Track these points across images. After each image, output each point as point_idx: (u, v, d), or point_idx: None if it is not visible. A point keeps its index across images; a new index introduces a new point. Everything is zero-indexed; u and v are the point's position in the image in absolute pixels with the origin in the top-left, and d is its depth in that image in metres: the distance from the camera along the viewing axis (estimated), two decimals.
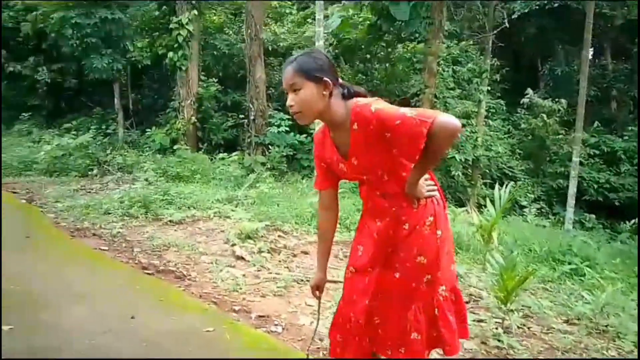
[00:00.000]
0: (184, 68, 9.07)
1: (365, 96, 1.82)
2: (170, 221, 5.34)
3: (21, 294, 3.21)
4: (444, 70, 9.63)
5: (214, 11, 11.16)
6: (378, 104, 1.71)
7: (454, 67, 10.16)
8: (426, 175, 1.83)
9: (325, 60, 1.81)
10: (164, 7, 9.59)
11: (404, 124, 1.61)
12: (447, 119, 1.58)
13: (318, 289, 2.16)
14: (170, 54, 8.88)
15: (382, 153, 1.75)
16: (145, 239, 4.70)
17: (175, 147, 8.62)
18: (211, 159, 8.43)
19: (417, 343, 1.82)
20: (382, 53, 10.63)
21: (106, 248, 4.36)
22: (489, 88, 9.67)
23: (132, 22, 9.29)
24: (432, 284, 1.83)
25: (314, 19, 10.94)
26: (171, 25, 8.89)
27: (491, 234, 4.33)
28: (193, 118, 9.23)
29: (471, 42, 10.76)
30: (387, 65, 10.70)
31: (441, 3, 8.26)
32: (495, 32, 9.14)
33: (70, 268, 3.76)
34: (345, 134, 1.78)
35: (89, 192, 6.74)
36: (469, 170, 8.74)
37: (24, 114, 10.98)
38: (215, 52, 10.49)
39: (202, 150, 9.07)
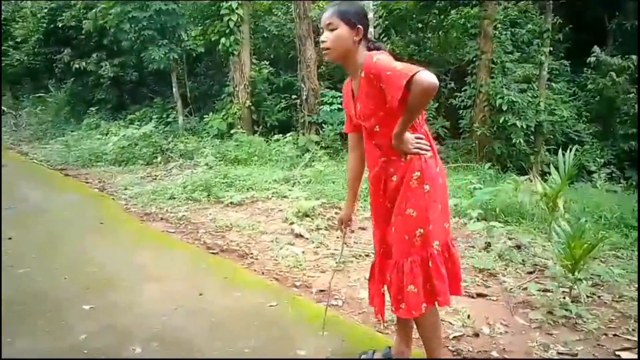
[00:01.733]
0: (236, 53, 9.21)
1: (380, 49, 1.97)
2: (231, 203, 5.53)
3: (98, 276, 3.47)
4: (501, 34, 9.16)
5: None
6: (380, 55, 1.86)
7: (512, 30, 9.64)
8: (419, 135, 1.91)
9: (362, 11, 2.03)
10: None
11: (393, 74, 1.75)
12: (426, 75, 1.68)
13: (343, 223, 2.39)
14: (223, 39, 9.03)
15: (377, 103, 1.89)
16: (208, 221, 4.91)
17: (232, 131, 8.85)
18: (267, 141, 8.58)
19: (414, 296, 1.91)
20: (434, 21, 10.27)
21: (173, 231, 4.59)
22: (551, 49, 9.08)
23: (184, 12, 9.51)
24: (425, 237, 1.91)
25: None
26: (222, 12, 9.02)
27: (556, 202, 4.14)
28: (247, 102, 9.40)
29: (530, 2, 10.16)
30: (440, 33, 10.34)
31: None
32: None
33: (141, 250, 4.00)
34: (358, 80, 1.97)
35: (155, 178, 7.07)
36: (531, 137, 8.35)
37: (91, 108, 11.65)
38: (265, 35, 10.57)
39: (258, 132, 9.25)
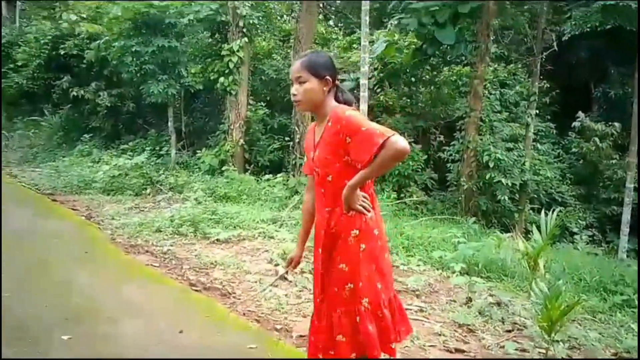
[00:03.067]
0: (234, 93, 9.43)
1: (351, 105, 2.10)
2: (217, 240, 5.54)
3: (80, 306, 3.44)
4: (490, 93, 9.54)
5: (263, 37, 11.60)
6: (353, 112, 1.97)
7: (501, 90, 10.04)
8: (365, 194, 2.00)
9: (330, 61, 2.14)
10: (217, 35, 10.07)
11: (369, 131, 1.85)
12: (401, 140, 1.81)
13: (292, 262, 2.50)
14: (222, 79, 9.27)
15: (336, 154, 1.98)
16: (193, 257, 4.91)
17: (223, 168, 8.93)
18: (257, 180, 8.66)
19: (343, 344, 1.99)
20: (427, 76, 10.66)
21: (157, 265, 4.58)
22: (538, 111, 9.46)
23: (186, 50, 9.78)
24: (354, 292, 1.98)
25: (360, 45, 11.20)
26: (223, 52, 9.31)
27: (537, 261, 4.24)
28: (241, 140, 9.54)
29: (519, 65, 10.62)
30: (432, 88, 10.71)
31: (488, 27, 8.25)
32: (544, 55, 9.00)
33: (125, 283, 3.99)
34: (323, 127, 2.07)
35: (143, 210, 7.08)
36: (516, 195, 8.55)
37: (85, 135, 11.70)
38: (263, 77, 10.86)
39: (249, 171, 9.34)
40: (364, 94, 7.00)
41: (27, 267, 4.34)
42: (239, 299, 3.82)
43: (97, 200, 7.78)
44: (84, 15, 11.68)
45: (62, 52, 11.73)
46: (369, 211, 1.99)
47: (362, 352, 1.97)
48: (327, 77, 2.05)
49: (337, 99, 2.11)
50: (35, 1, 15.75)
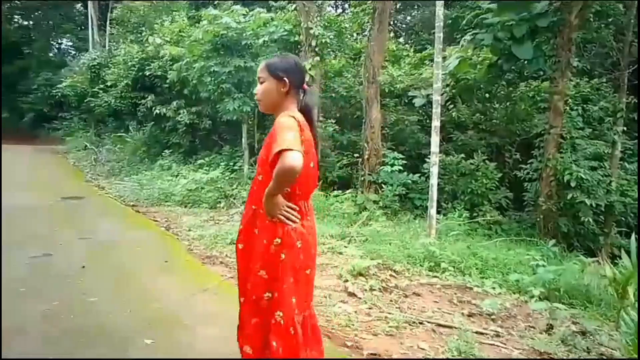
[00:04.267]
0: None
1: (310, 111, 2.15)
2: None
3: (161, 313, 3.63)
4: (571, 109, 9.03)
5: (334, 56, 11.79)
6: (285, 118, 1.97)
7: (584, 106, 9.47)
8: (292, 205, 2.02)
9: (293, 65, 2.18)
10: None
11: (278, 140, 1.86)
12: (291, 157, 1.79)
13: None
14: None
15: (266, 157, 2.02)
16: None
17: None
18: (326, 196, 8.75)
19: (248, 356, 2.07)
20: (502, 92, 10.31)
21: (231, 276, 4.73)
22: (625, 128, 8.83)
23: None
24: (269, 304, 2.01)
25: (431, 61, 11.07)
26: None
27: (626, 289, 3.92)
28: None
29: (603, 80, 10.01)
30: (507, 104, 10.33)
31: (569, 41, 7.86)
32: (631, 68, 8.41)
33: (201, 293, 4.16)
34: None
35: (217, 222, 7.36)
36: (601, 217, 7.97)
37: (165, 150, 12.42)
38: (333, 95, 11.01)
39: (318, 187, 9.46)
40: (436, 110, 6.89)
41: (114, 273, 4.65)
42: None
43: (176, 212, 8.19)
44: (168, 39, 12.49)
45: (147, 73, 12.59)
46: (293, 222, 2.00)
47: None
48: (285, 79, 2.11)
49: (304, 108, 2.17)
50: (124, 26, 17.04)
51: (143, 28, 15.04)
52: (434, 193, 6.64)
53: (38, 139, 22.34)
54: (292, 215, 2.02)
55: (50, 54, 28.52)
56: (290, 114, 2.02)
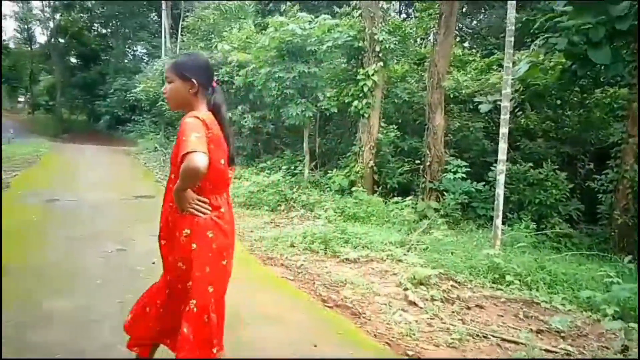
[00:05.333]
0: (366, 115, 9.65)
1: (219, 109, 2.20)
2: (346, 259, 5.66)
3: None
4: None
5: (397, 61, 11.72)
6: (189, 118, 2.01)
7: None
8: (202, 198, 2.08)
9: (201, 65, 2.24)
10: (352, 60, 10.43)
11: (184, 142, 1.91)
12: (195, 159, 1.87)
13: None
14: (356, 102, 9.56)
15: (175, 156, 2.05)
16: (324, 274, 5.06)
17: (353, 188, 9.12)
18: (385, 202, 8.69)
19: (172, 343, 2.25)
20: (575, 99, 9.81)
21: (292, 278, 4.82)
22: None
23: (324, 75, 10.26)
24: (186, 291, 2.10)
25: (499, 66, 10.73)
26: (358, 77, 9.62)
27: None
28: (371, 162, 9.68)
29: None
30: (581, 111, 9.82)
31: None
32: None
33: (262, 293, 4.26)
34: None
35: (278, 225, 7.50)
36: None
37: None
38: (396, 100, 10.93)
39: (377, 193, 9.41)
40: (504, 117, 6.67)
41: None
42: (369, 319, 3.84)
43: (238, 213, 8.42)
44: (236, 45, 12.93)
45: (215, 79, 13.07)
46: (203, 214, 2.07)
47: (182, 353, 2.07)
48: (193, 80, 2.14)
49: (213, 106, 2.21)
50: (195, 34, 17.81)
51: (212, 35, 15.65)
52: (499, 202, 6.42)
53: (113, 140, 23.79)
54: (203, 207, 2.09)
55: (126, 61, 30.32)
56: (195, 114, 2.06)
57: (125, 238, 5.99)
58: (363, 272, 5.28)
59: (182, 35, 21.67)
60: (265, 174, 10.54)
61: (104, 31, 31.91)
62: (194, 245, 2.09)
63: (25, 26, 33.62)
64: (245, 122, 12.20)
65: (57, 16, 30.58)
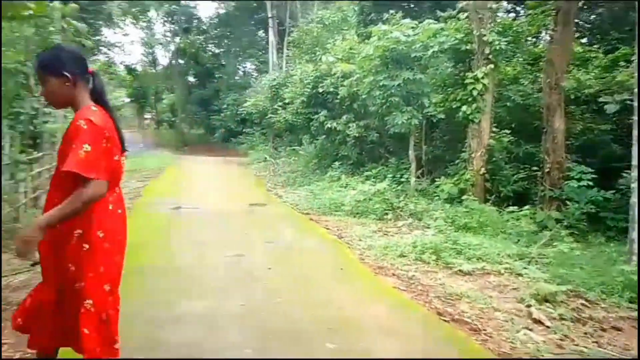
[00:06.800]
0: (476, 120, 9.25)
1: (102, 95, 2.15)
2: (460, 271, 5.44)
3: (339, 318, 3.78)
4: None
5: (508, 62, 11.10)
6: (84, 123, 1.95)
7: None
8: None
9: (70, 55, 2.12)
10: (460, 64, 10.08)
11: (76, 154, 1.90)
12: (97, 189, 1.90)
13: None
14: (464, 107, 9.21)
15: (65, 154, 1.96)
16: (438, 285, 4.91)
17: (463, 197, 8.77)
18: (499, 212, 8.23)
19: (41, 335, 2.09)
20: None
21: (404, 289, 4.73)
22: None
23: (429, 81, 10.04)
24: (79, 293, 2.00)
25: (627, 62, 9.69)
26: (466, 81, 9.26)
27: None
28: (482, 169, 9.23)
29: None
30: None
31: None
32: None
33: (377, 302, 4.24)
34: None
35: (386, 234, 7.44)
36: None
37: (335, 162, 13.07)
38: (508, 104, 10.35)
39: (490, 202, 8.94)
40: (636, 118, 5.99)
41: (294, 277, 5.02)
42: (490, 336, 3.64)
43: (345, 221, 8.52)
44: (340, 57, 13.16)
45: (320, 90, 13.43)
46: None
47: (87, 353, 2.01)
48: (65, 74, 2.04)
49: (94, 94, 2.14)
50: (300, 48, 18.45)
51: (317, 48, 16.09)
52: (635, 213, 5.75)
53: (227, 151, 25.42)
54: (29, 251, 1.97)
55: (237, 77, 32.29)
56: (87, 116, 1.99)
57: (242, 244, 6.34)
58: (479, 285, 5.04)
59: (287, 49, 22.59)
60: (370, 183, 10.54)
61: (217, 51, 34.29)
62: (86, 246, 2.02)
63: (150, 50, 37.32)
64: (350, 131, 12.33)
65: (177, 39, 33.55)
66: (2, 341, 3.03)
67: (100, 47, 21.78)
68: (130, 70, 34.29)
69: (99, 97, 2.17)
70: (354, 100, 12.16)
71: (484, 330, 3.75)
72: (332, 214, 9.21)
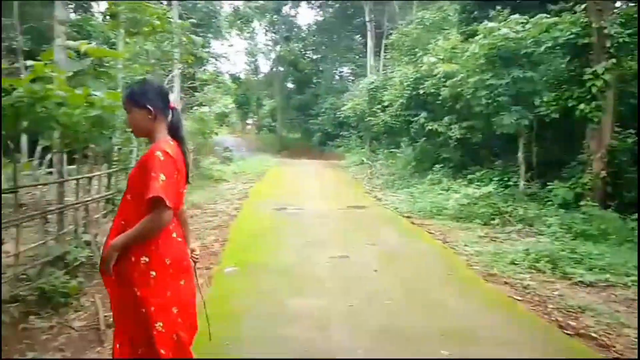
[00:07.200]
0: (595, 120, 8.51)
1: (177, 130, 2.26)
2: (580, 282, 5.05)
3: (451, 325, 3.68)
4: None
5: (632, 56, 10.06)
6: (161, 154, 2.07)
7: None
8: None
9: (154, 90, 2.25)
10: (576, 59, 9.35)
11: (152, 182, 2.00)
12: (163, 216, 2.00)
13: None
14: (581, 105, 8.51)
15: (136, 181, 2.12)
16: (556, 296, 4.59)
17: (580, 202, 8.11)
18: (623, 219, 7.48)
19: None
20: None
21: (519, 298, 4.50)
22: None
23: (541, 79, 9.43)
24: (147, 317, 2.05)
25: None
26: (584, 77, 8.55)
27: None
28: (603, 172, 8.45)
29: None
30: None
31: None
32: None
33: (491, 311, 4.07)
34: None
35: (494, 240, 7.11)
36: None
37: (436, 165, 12.74)
38: (632, 101, 9.38)
39: (611, 207, 8.17)
40: None
41: (401, 280, 4.99)
42: (621, 355, 3.34)
43: (449, 225, 8.27)
44: (441, 57, 12.83)
45: (420, 92, 13.20)
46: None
47: None
48: (149, 107, 2.18)
49: (171, 128, 2.26)
50: (399, 50, 18.29)
51: (416, 49, 15.83)
52: None
53: (324, 154, 25.92)
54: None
55: (334, 82, 32.79)
56: (164, 148, 2.11)
57: (346, 245, 6.42)
58: (604, 298, 4.64)
59: (385, 53, 22.50)
60: (474, 186, 10.14)
61: (315, 57, 35.15)
62: (153, 274, 2.09)
63: (253, 59, 39.26)
64: (452, 132, 11.96)
65: (277, 48, 34.89)
66: None
67: (209, 58, 23.28)
68: (234, 78, 36.31)
69: (175, 132, 2.28)
70: (456, 101, 11.77)
71: (614, 347, 3.45)
72: (434, 218, 8.99)
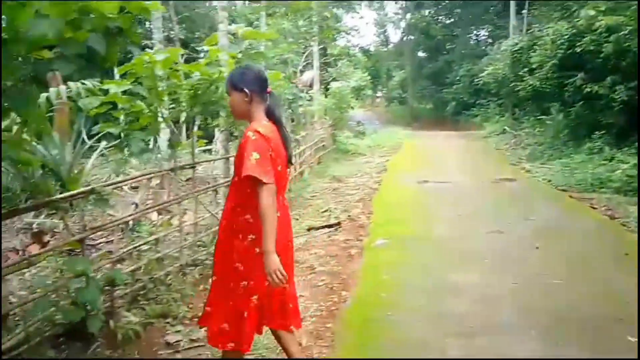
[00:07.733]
0: None
1: (274, 113, 2.36)
2: None
3: (632, 313, 3.30)
4: None
5: None
6: (250, 134, 2.19)
7: None
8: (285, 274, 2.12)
9: (252, 75, 2.35)
10: None
11: (246, 160, 2.13)
12: (265, 196, 2.09)
13: None
14: None
15: (237, 164, 2.26)
16: None
17: None
18: None
19: (225, 332, 2.25)
20: None
21: None
22: None
23: None
24: (247, 290, 2.22)
25: None
26: None
27: None
28: None
29: None
30: None
31: None
32: None
33: None
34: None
35: None
36: None
37: (595, 132, 11.35)
38: None
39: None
40: None
41: (567, 258, 4.60)
42: None
43: (616, 199, 7.37)
44: (602, 9, 11.29)
45: (577, 50, 11.77)
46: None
47: (238, 342, 2.21)
48: (246, 90, 2.27)
49: (268, 111, 2.34)
50: (548, 4, 16.51)
51: (571, 2, 14.11)
52: None
53: (458, 125, 24.80)
54: (278, 278, 2.10)
55: (469, 47, 30.92)
56: (256, 127, 2.21)
57: (499, 220, 6.09)
58: None
59: (529, 10, 20.50)
60: None
61: (448, 21, 33.36)
62: (257, 250, 2.18)
63: (382, 30, 38.63)
64: (617, 95, 10.53)
65: (408, 16, 33.79)
66: None
67: (341, 32, 23.37)
68: (364, 51, 36.17)
69: (272, 115, 2.37)
70: (621, 58, 10.32)
71: None
72: (596, 191, 8.09)
